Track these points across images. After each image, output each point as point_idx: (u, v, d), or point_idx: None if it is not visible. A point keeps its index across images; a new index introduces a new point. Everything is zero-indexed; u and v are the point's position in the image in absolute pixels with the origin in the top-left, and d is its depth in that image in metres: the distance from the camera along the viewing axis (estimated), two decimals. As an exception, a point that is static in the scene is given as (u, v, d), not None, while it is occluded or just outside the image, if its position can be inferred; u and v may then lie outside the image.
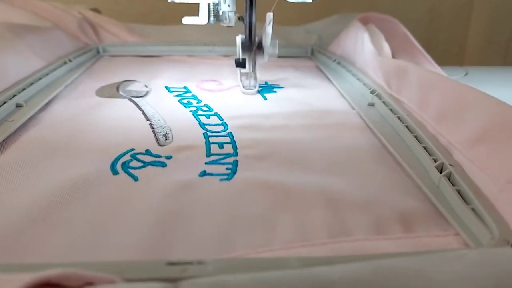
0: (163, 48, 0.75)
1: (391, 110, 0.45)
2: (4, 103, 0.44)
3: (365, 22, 0.68)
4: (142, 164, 0.35)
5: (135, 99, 0.51)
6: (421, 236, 0.27)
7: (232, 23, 0.54)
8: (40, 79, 0.53)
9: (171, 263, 0.21)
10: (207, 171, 0.35)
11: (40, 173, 0.33)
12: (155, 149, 0.38)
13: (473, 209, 0.28)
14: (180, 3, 0.54)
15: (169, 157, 0.37)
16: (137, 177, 0.33)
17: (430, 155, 0.35)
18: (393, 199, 0.31)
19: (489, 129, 0.32)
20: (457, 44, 1.09)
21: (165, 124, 0.44)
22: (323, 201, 0.30)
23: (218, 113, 0.48)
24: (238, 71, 0.58)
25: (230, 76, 0.62)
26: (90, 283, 0.18)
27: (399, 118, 0.43)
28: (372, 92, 0.51)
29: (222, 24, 0.55)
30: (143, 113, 0.47)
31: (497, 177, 0.29)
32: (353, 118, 0.47)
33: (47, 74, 0.55)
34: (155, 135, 0.41)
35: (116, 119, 0.45)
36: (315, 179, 0.34)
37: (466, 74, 0.70)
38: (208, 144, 0.40)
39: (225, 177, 0.34)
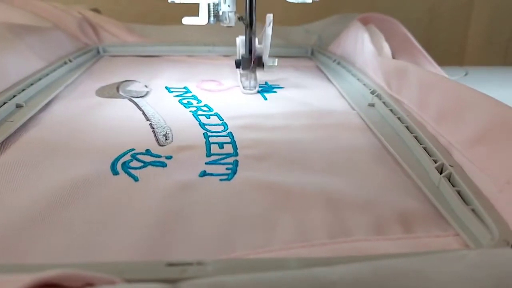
0: (163, 48, 0.75)
1: (391, 110, 0.45)
2: (4, 103, 0.44)
3: (365, 22, 0.68)
4: (142, 164, 0.35)
5: (135, 99, 0.51)
6: (421, 237, 0.27)
7: (232, 23, 0.54)
8: (40, 79, 0.53)
9: (171, 264, 0.21)
10: (207, 171, 0.35)
11: (40, 173, 0.33)
12: (155, 149, 0.38)
13: (473, 210, 0.28)
14: (180, 3, 0.54)
15: (169, 157, 0.37)
16: (137, 177, 0.33)
17: (430, 155, 0.35)
18: (393, 200, 0.31)
19: (488, 129, 0.32)
20: (457, 44, 1.09)
21: (165, 124, 0.44)
22: (323, 201, 0.30)
23: (218, 113, 0.48)
24: (238, 72, 0.58)
25: (230, 76, 0.62)
26: (90, 284, 0.18)
27: (399, 118, 0.43)
28: (372, 92, 0.51)
29: (222, 24, 0.55)
30: (143, 113, 0.47)
31: (497, 178, 0.28)
32: (353, 118, 0.47)
33: (47, 75, 0.55)
34: (155, 135, 0.41)
35: (116, 119, 0.45)
36: (315, 179, 0.34)
37: (466, 74, 0.70)
38: (208, 144, 0.40)
39: (225, 177, 0.34)
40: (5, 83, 0.48)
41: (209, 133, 0.42)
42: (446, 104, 0.38)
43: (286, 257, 0.25)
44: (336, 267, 0.19)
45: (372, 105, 0.49)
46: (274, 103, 0.52)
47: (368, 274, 0.18)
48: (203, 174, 0.34)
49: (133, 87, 0.56)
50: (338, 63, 0.66)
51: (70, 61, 0.63)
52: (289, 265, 0.21)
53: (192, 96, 0.53)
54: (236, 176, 0.34)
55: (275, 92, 0.56)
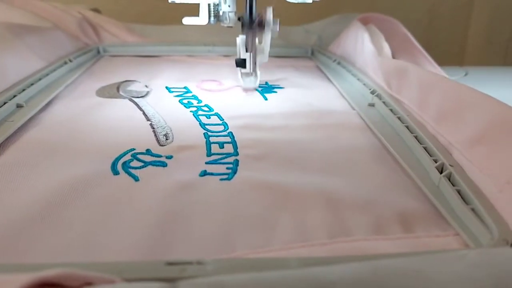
0: (163, 48, 0.75)
1: (391, 110, 0.45)
2: (5, 103, 0.44)
3: (365, 22, 0.68)
4: (142, 164, 0.35)
5: (136, 99, 0.51)
6: (421, 236, 0.27)
7: (232, 24, 0.54)
8: (40, 79, 0.53)
9: (170, 263, 0.21)
10: (208, 171, 0.35)
11: (40, 173, 0.33)
12: (156, 149, 0.38)
13: (473, 209, 0.28)
14: (181, 3, 0.54)
15: (169, 157, 0.37)
16: (137, 177, 0.33)
17: (430, 155, 0.35)
18: (393, 199, 0.31)
19: (488, 129, 0.32)
20: (457, 44, 1.09)
21: (166, 124, 0.44)
22: (323, 201, 0.30)
23: (219, 113, 0.48)
24: (239, 71, 0.58)
25: (230, 76, 0.62)
26: (89, 283, 0.18)
27: (399, 118, 0.43)
28: (372, 92, 0.51)
29: (222, 24, 0.55)
30: (144, 113, 0.47)
31: (497, 177, 0.28)
32: (353, 118, 0.47)
33: (47, 75, 0.55)
34: (155, 135, 0.41)
35: (116, 119, 0.45)
36: (315, 179, 0.34)
37: (466, 74, 0.70)
38: (208, 144, 0.40)
39: (226, 176, 0.34)
40: (5, 83, 0.48)
41: (209, 133, 0.42)
42: (446, 104, 0.38)
43: (286, 257, 0.25)
44: (336, 267, 0.19)
45: (372, 105, 0.49)
46: (274, 103, 0.52)
47: (367, 274, 0.18)
48: (204, 173, 0.34)
49: (133, 87, 0.56)
50: (338, 63, 0.66)
51: (70, 61, 0.63)
52: (289, 264, 0.21)
53: (192, 96, 0.53)
54: (236, 175, 0.34)
55: (275, 92, 0.56)
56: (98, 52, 0.74)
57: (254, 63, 0.55)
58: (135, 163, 0.35)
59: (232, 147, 0.39)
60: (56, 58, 0.63)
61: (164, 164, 0.36)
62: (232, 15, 0.54)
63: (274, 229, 0.27)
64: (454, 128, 0.36)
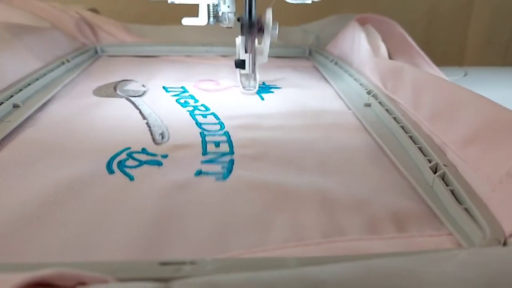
0: (161, 48, 0.75)
1: (387, 110, 0.45)
2: (1, 103, 0.44)
3: (362, 23, 0.68)
4: (138, 163, 0.36)
5: (132, 99, 0.51)
6: (414, 236, 0.27)
7: (231, 24, 0.54)
8: (37, 79, 0.53)
9: (164, 263, 0.21)
10: (203, 170, 0.35)
11: (36, 172, 0.33)
12: (151, 147, 0.38)
13: (466, 209, 0.28)
14: (180, 3, 0.54)
15: (165, 156, 0.37)
16: (132, 177, 0.33)
17: (424, 155, 0.35)
18: (387, 199, 0.31)
19: (482, 129, 0.32)
20: (457, 44, 1.09)
21: (162, 123, 0.44)
22: (318, 201, 0.31)
23: (215, 112, 0.48)
24: (238, 72, 0.58)
25: (227, 76, 0.62)
26: (83, 283, 0.18)
27: (394, 118, 0.43)
28: (369, 92, 0.51)
29: (221, 25, 0.55)
30: (140, 112, 0.47)
31: (490, 177, 0.29)
32: (349, 118, 0.47)
33: (45, 75, 0.55)
34: (151, 134, 0.41)
35: (113, 118, 0.45)
36: (310, 179, 0.34)
37: (465, 75, 0.70)
38: (204, 143, 0.40)
39: (221, 175, 0.34)
40: (2, 83, 0.48)
41: (205, 132, 0.42)
42: (440, 104, 0.38)
43: (281, 256, 0.25)
44: (328, 266, 0.19)
45: (368, 105, 0.49)
46: (271, 103, 0.52)
47: (360, 274, 0.18)
48: (199, 173, 0.34)
49: (131, 87, 0.56)
50: (336, 63, 0.66)
51: (68, 61, 0.63)
52: (284, 264, 0.21)
53: (189, 95, 0.54)
54: (231, 175, 0.34)
55: (272, 92, 0.56)
56: (96, 52, 0.74)
57: (253, 64, 0.55)
58: (130, 162, 0.36)
59: (228, 146, 0.39)
60: (53, 58, 0.63)
61: (159, 163, 0.36)
62: (231, 15, 0.54)
63: (269, 229, 0.28)
64: (448, 128, 0.36)
